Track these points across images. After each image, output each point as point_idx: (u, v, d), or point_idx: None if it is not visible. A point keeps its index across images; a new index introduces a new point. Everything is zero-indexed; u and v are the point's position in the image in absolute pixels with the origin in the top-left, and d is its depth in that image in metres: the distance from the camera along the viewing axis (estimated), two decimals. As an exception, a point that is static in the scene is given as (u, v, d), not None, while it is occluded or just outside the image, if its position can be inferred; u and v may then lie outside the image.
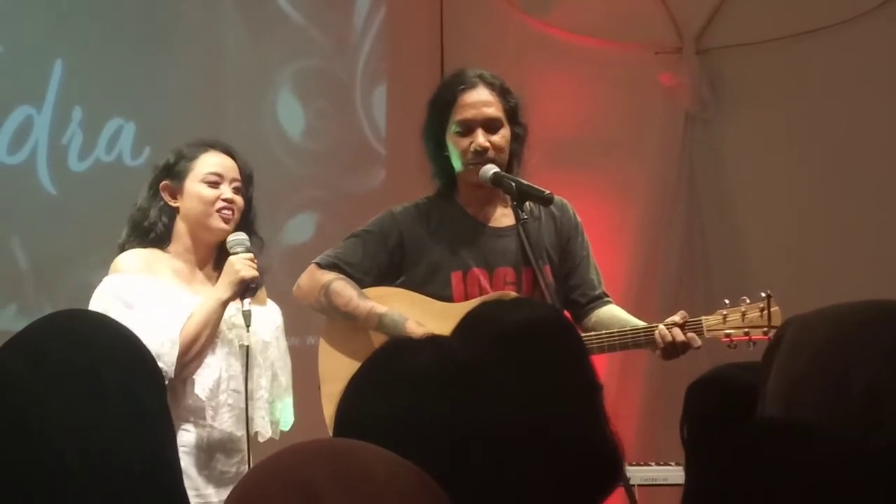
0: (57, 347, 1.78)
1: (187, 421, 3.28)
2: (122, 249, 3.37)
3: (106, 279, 3.33)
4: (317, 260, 3.54)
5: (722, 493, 1.22)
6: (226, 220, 3.36)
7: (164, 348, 3.20)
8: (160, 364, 3.13)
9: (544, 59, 5.42)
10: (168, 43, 5.10)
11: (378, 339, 3.35)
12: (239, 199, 3.39)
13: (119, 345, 1.87)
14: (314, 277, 3.51)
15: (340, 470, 1.14)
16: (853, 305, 1.37)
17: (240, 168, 3.43)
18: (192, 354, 3.25)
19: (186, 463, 3.21)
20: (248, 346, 3.31)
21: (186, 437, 3.26)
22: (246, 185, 3.43)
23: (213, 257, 3.42)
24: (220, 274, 3.36)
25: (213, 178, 3.37)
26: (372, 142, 5.51)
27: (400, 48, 5.51)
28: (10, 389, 1.29)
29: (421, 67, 5.32)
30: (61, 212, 4.83)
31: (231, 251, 3.34)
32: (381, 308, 3.43)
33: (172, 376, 3.21)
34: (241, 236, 3.37)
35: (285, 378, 3.45)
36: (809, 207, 5.17)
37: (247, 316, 3.29)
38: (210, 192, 3.35)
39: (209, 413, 3.29)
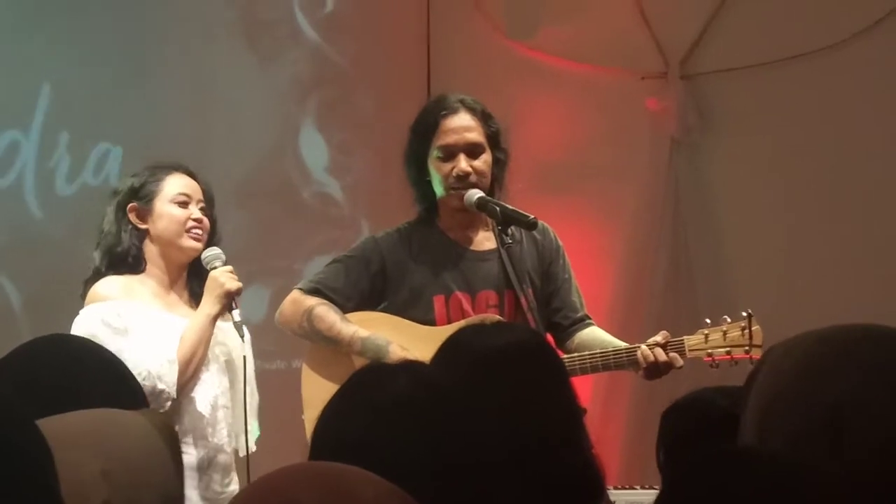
0: (42, 373, 1.79)
1: (183, 442, 3.26)
2: (99, 275, 3.37)
3: (89, 308, 3.32)
4: (299, 286, 3.55)
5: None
6: (197, 240, 3.39)
7: (163, 369, 3.22)
8: (161, 385, 3.17)
9: (530, 84, 5.44)
10: (157, 67, 5.11)
11: (361, 364, 3.35)
12: (206, 219, 3.42)
13: (103, 367, 1.88)
14: (297, 303, 3.51)
15: (328, 493, 1.14)
16: (828, 331, 1.38)
17: (203, 189, 3.46)
18: (189, 373, 3.27)
19: (185, 485, 3.21)
20: (244, 357, 3.34)
21: (185, 458, 3.25)
22: (209, 205, 3.46)
23: (183, 277, 3.44)
24: (190, 293, 3.41)
25: (183, 199, 3.40)
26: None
27: (386, 74, 5.52)
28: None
29: (407, 93, 5.33)
30: (48, 235, 4.83)
31: (209, 266, 3.37)
32: (364, 332, 3.43)
33: (174, 396, 3.23)
34: (217, 251, 3.40)
35: (256, 392, 3.47)
36: (794, 231, 5.18)
37: (239, 327, 3.32)
38: (181, 213, 3.38)
39: (209, 430, 3.30)
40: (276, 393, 3.60)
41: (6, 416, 1.22)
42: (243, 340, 3.34)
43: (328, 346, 3.47)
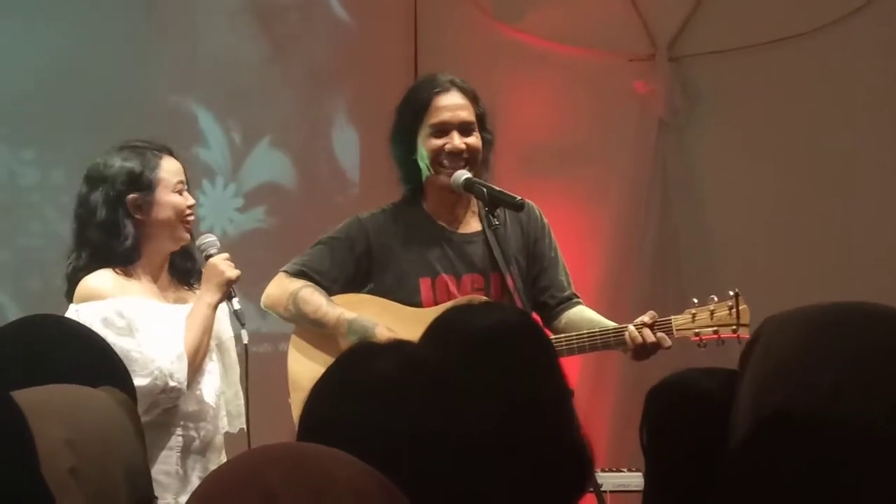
0: (19, 358, 1.78)
1: (184, 426, 3.25)
2: (85, 269, 3.21)
3: (84, 307, 3.16)
4: (284, 268, 3.52)
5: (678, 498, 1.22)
6: (189, 228, 3.31)
7: (174, 366, 3.16)
8: (173, 383, 3.13)
9: (518, 66, 5.43)
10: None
11: (347, 346, 3.33)
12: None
13: (84, 350, 1.86)
14: (282, 286, 3.49)
15: (300, 473, 1.13)
16: (825, 306, 1.37)
17: (183, 168, 3.36)
18: (197, 364, 3.22)
19: (186, 467, 3.20)
20: (245, 345, 3.29)
21: (186, 441, 3.24)
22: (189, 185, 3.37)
23: (166, 266, 3.35)
24: (177, 280, 3.34)
25: (181, 186, 3.29)
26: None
27: (373, 57, 5.50)
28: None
29: (395, 75, 5.31)
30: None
31: (206, 253, 3.31)
32: (350, 314, 3.42)
33: (185, 392, 3.19)
34: (212, 237, 3.35)
35: (238, 373, 3.43)
36: (780, 212, 5.20)
37: (240, 315, 3.28)
38: (182, 201, 3.28)
39: (210, 414, 3.27)
40: (262, 376, 3.58)
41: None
42: (243, 328, 3.27)
43: (314, 329, 3.46)
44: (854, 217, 5.09)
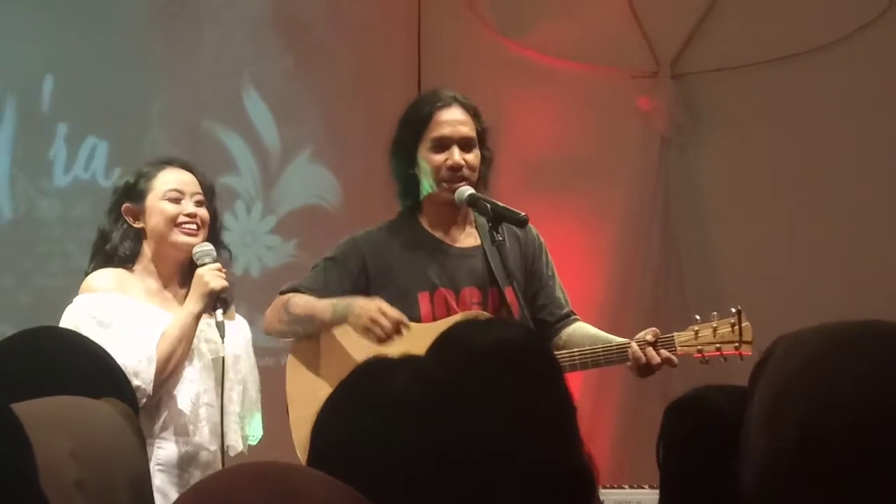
0: (23, 370, 1.77)
1: (162, 438, 3.25)
2: (87, 274, 3.35)
3: (77, 298, 3.30)
4: (280, 290, 3.53)
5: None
6: (190, 234, 3.35)
7: (141, 366, 3.18)
8: (137, 382, 3.13)
9: (521, 82, 5.44)
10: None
11: (345, 362, 3.32)
12: (202, 212, 3.38)
13: (88, 362, 1.86)
14: (275, 303, 3.50)
15: (277, 493, 1.13)
16: (836, 324, 1.38)
17: (200, 181, 3.42)
18: (168, 370, 3.23)
19: (162, 481, 3.19)
20: (223, 358, 3.29)
21: (162, 453, 3.23)
22: (209, 197, 3.42)
23: (180, 274, 3.39)
24: (188, 290, 3.35)
25: (174, 195, 3.36)
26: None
27: (376, 71, 5.51)
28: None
29: (398, 90, 5.32)
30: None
31: (198, 262, 3.33)
32: (332, 300, 3.40)
33: (150, 394, 3.19)
34: (207, 247, 3.35)
35: (255, 391, 3.43)
36: (782, 229, 5.20)
37: (220, 327, 3.28)
38: (172, 208, 3.34)
39: (190, 427, 3.26)
40: (264, 390, 3.57)
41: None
42: (223, 341, 3.28)
43: (309, 332, 3.43)
44: (856, 233, 5.09)
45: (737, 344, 3.38)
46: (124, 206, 3.36)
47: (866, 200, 5.12)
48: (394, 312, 3.30)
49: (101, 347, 1.98)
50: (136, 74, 5.05)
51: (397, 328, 3.28)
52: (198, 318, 3.28)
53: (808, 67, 5.20)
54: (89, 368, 1.86)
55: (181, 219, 3.34)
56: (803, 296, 4.91)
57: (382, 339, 3.26)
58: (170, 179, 3.38)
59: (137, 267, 3.36)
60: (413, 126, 3.47)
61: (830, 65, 5.17)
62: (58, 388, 1.64)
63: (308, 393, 3.34)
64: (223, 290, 3.29)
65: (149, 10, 5.12)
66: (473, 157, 3.46)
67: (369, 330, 3.28)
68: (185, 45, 5.20)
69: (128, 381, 1.94)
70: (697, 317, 3.42)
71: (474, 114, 3.50)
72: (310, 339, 3.47)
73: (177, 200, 3.35)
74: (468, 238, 3.52)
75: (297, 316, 3.44)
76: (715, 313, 3.40)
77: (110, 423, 1.51)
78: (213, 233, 3.41)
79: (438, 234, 3.51)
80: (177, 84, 5.17)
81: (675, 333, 3.38)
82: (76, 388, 1.67)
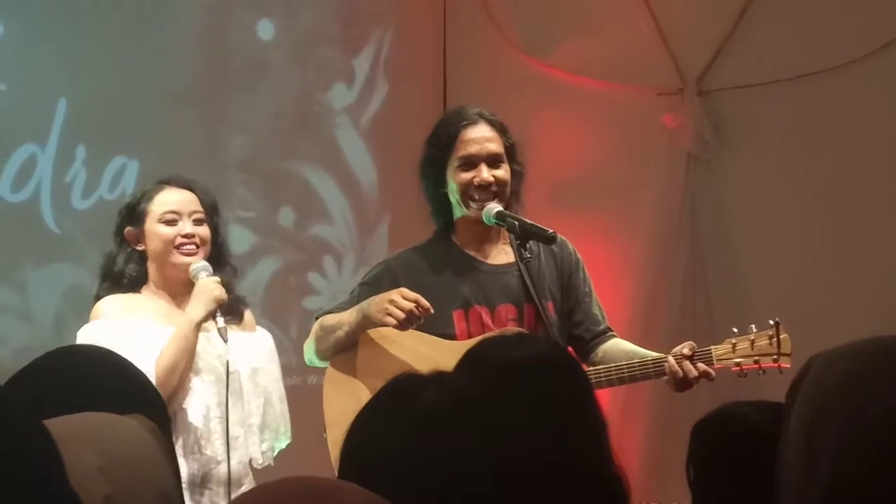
0: (56, 389, 1.78)
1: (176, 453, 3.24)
2: (98, 299, 3.37)
3: (85, 327, 3.31)
4: (315, 315, 3.55)
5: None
6: (189, 255, 3.35)
7: None
8: None
9: (547, 100, 5.44)
10: (172, 80, 5.13)
11: (382, 379, 3.30)
12: (202, 230, 3.38)
13: (117, 380, 1.87)
14: (312, 328, 3.51)
15: None
16: (872, 340, 1.37)
17: (200, 199, 3.42)
18: (174, 383, 3.22)
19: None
20: (227, 362, 3.28)
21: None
22: (210, 214, 3.42)
23: (190, 293, 3.36)
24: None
25: (170, 217, 3.37)
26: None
27: (402, 90, 5.52)
28: (11, 424, 1.29)
29: (424, 108, 5.34)
30: (64, 249, 4.84)
31: (195, 280, 3.32)
32: (361, 304, 3.38)
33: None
34: (203, 263, 3.35)
35: (279, 403, 3.42)
36: (809, 245, 5.17)
37: (223, 332, 3.27)
38: (168, 231, 3.36)
39: (202, 442, 3.25)
40: (292, 409, 3.57)
41: (13, 417, 1.22)
42: (226, 343, 3.27)
43: (341, 339, 3.40)
44: (884, 249, 5.06)
45: (775, 356, 3.33)
46: (126, 230, 3.39)
47: (894, 216, 5.09)
48: (411, 294, 3.28)
49: (131, 364, 1.99)
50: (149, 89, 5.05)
51: (416, 309, 3.25)
52: (198, 326, 3.27)
53: (834, 84, 5.18)
54: (119, 385, 1.88)
55: (179, 240, 3.35)
56: (831, 310, 4.89)
57: (401, 321, 3.24)
58: (166, 201, 3.39)
59: (146, 289, 3.39)
60: (440, 145, 3.47)
61: (856, 81, 5.15)
62: (91, 404, 1.65)
63: (346, 412, 3.31)
64: (222, 298, 3.29)
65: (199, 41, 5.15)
66: (503, 172, 3.45)
67: (389, 314, 3.26)
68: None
69: (158, 397, 1.94)
70: (735, 329, 3.38)
71: (501, 129, 3.49)
72: (345, 358, 3.44)
73: (173, 222, 3.36)
74: (502, 255, 3.51)
75: (331, 328, 3.42)
76: (752, 326, 3.37)
77: (138, 439, 1.52)
78: (216, 249, 3.42)
79: (471, 252, 3.50)
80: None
81: (712, 347, 3.36)
82: (108, 404, 1.68)
